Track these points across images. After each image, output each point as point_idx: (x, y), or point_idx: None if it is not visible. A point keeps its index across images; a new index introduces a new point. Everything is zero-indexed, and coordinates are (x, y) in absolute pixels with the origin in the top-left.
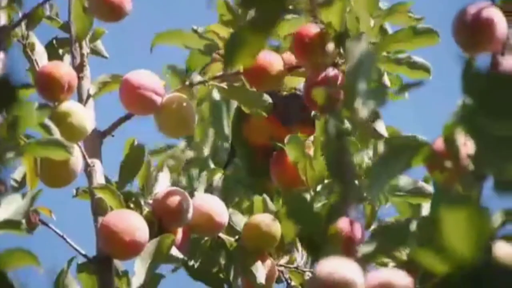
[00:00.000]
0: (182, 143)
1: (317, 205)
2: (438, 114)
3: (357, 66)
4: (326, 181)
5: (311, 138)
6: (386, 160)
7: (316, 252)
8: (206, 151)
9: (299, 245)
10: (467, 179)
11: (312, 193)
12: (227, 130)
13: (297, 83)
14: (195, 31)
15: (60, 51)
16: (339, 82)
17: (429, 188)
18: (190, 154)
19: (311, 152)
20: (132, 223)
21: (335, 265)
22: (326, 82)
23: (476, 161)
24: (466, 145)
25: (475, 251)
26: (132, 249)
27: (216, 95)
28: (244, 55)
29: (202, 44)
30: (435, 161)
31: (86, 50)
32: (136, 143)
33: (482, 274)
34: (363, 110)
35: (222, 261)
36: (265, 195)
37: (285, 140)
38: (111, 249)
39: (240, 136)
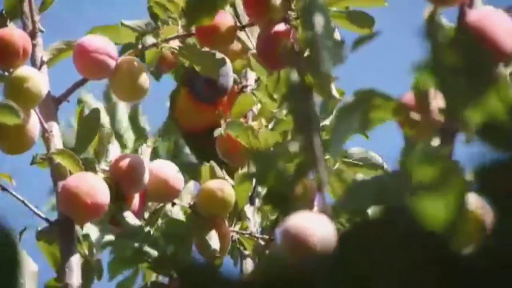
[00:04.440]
0: None
1: None
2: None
3: (315, 22)
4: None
5: (254, 108)
6: (343, 114)
7: (285, 209)
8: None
9: (249, 212)
10: (438, 134)
11: None
12: None
13: None
14: (125, 25)
15: (9, 23)
16: (291, 36)
17: (379, 160)
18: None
19: (252, 122)
20: (93, 185)
21: (305, 219)
22: (278, 37)
23: (447, 114)
24: (437, 99)
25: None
26: (94, 211)
27: None
28: (206, 13)
29: (134, 37)
30: (405, 116)
31: (37, 17)
32: (85, 110)
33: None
34: (325, 66)
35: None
36: (212, 162)
37: (223, 126)
38: (72, 212)
39: (176, 123)
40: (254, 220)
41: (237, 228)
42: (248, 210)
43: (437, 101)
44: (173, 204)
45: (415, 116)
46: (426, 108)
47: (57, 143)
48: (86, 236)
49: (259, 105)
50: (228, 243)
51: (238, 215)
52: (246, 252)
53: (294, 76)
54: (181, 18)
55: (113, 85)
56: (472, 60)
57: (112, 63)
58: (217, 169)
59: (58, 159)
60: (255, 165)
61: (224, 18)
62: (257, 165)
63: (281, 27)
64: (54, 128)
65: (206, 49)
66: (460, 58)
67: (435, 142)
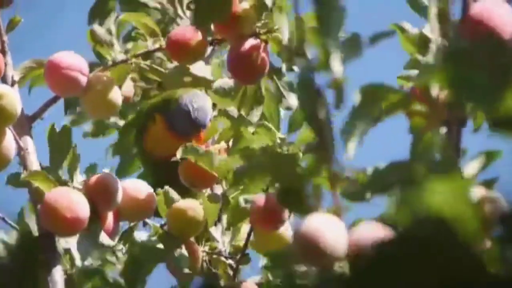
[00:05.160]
0: None
1: (232, 194)
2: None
3: (326, 21)
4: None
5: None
6: (360, 109)
7: (298, 208)
8: None
9: (217, 232)
10: (445, 125)
11: (225, 185)
12: None
13: (181, 92)
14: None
15: None
16: (261, 51)
17: None
18: None
19: (212, 147)
20: (73, 200)
21: (317, 222)
22: (250, 52)
23: (455, 106)
24: (443, 91)
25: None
26: (74, 225)
27: None
28: (215, 12)
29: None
30: (414, 108)
31: (5, 37)
32: (56, 127)
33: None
34: (338, 65)
35: None
36: (166, 187)
37: (179, 155)
38: (53, 226)
39: (142, 149)
40: (222, 240)
41: (206, 248)
42: (216, 230)
43: (443, 93)
44: (145, 223)
45: (422, 107)
46: (433, 99)
47: (32, 160)
48: (68, 250)
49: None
50: (199, 262)
51: (207, 235)
52: (214, 270)
53: (305, 76)
54: (150, 36)
55: (84, 101)
56: (493, 56)
57: (84, 80)
58: (172, 193)
59: (33, 182)
60: (269, 164)
61: (194, 33)
62: (271, 164)
63: (252, 41)
64: (30, 146)
65: (175, 64)
66: (481, 55)
67: (442, 132)
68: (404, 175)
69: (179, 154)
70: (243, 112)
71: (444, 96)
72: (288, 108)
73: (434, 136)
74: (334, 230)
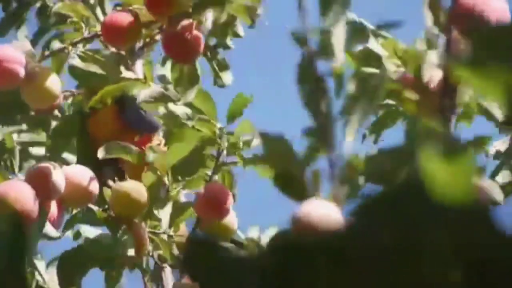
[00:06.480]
0: None
1: (173, 193)
2: None
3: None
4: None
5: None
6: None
7: (295, 194)
8: None
9: (160, 212)
10: (437, 113)
11: (168, 179)
12: None
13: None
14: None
15: None
16: (194, 29)
17: None
18: None
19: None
20: (22, 191)
21: (316, 208)
22: (183, 31)
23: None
24: (434, 79)
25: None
26: (24, 218)
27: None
28: None
29: None
30: (406, 95)
31: None
32: None
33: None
34: (341, 52)
35: None
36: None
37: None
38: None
39: (84, 131)
40: (166, 220)
41: (149, 228)
42: (162, 210)
43: (434, 81)
44: (87, 208)
45: (414, 95)
46: (425, 88)
47: None
48: None
49: None
50: (144, 244)
51: (150, 215)
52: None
53: (306, 66)
54: (84, 24)
55: (24, 92)
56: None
57: (22, 71)
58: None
59: None
60: (264, 147)
61: (128, 17)
62: (266, 147)
63: (184, 21)
64: None
65: (111, 50)
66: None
67: (435, 121)
68: (404, 161)
69: (102, 153)
70: (179, 92)
71: (435, 84)
72: (221, 86)
73: (429, 123)
74: (333, 217)
